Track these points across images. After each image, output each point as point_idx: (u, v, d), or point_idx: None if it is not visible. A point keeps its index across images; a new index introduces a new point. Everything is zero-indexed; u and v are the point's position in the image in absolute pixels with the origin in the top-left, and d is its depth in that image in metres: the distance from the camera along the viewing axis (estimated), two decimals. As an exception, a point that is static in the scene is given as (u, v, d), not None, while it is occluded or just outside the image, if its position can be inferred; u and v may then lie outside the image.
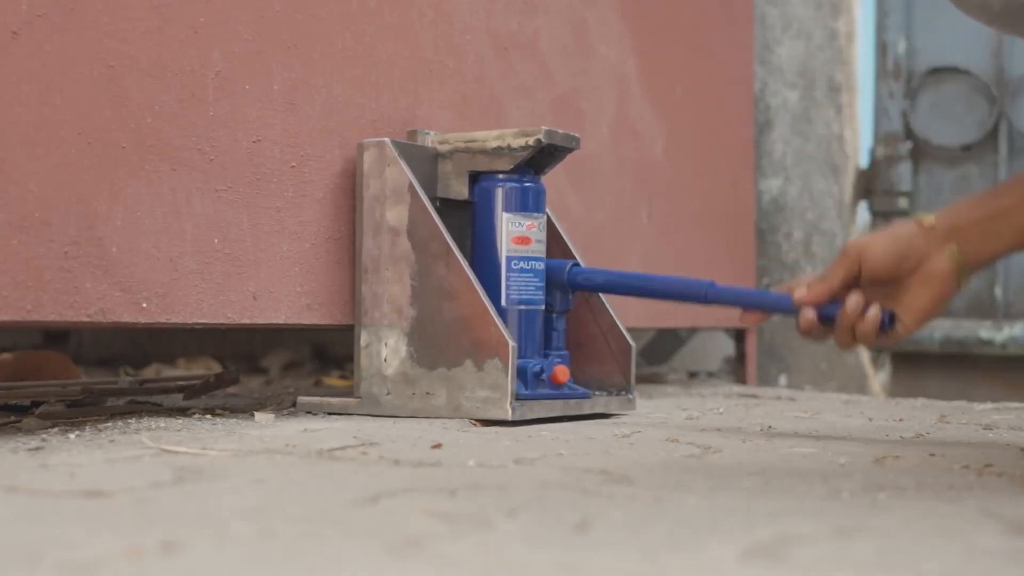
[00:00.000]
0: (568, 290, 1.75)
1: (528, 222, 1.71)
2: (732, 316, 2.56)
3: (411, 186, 1.67)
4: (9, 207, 1.35)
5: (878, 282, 1.43)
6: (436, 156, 1.74)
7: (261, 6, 1.62)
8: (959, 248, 1.39)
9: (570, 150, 1.74)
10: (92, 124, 1.43)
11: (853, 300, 1.43)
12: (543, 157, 1.74)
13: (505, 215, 1.70)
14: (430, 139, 1.76)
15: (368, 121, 1.76)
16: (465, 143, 1.73)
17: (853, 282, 1.44)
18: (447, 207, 1.75)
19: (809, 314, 1.46)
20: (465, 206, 1.76)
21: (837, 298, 1.45)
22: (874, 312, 1.42)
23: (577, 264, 1.75)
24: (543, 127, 1.69)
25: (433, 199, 1.71)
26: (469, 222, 1.75)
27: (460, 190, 1.73)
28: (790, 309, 1.49)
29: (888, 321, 1.43)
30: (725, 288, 1.64)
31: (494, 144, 1.71)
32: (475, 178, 1.73)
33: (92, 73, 1.44)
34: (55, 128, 1.40)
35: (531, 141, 1.69)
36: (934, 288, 1.41)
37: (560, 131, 1.72)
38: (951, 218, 1.41)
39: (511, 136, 1.70)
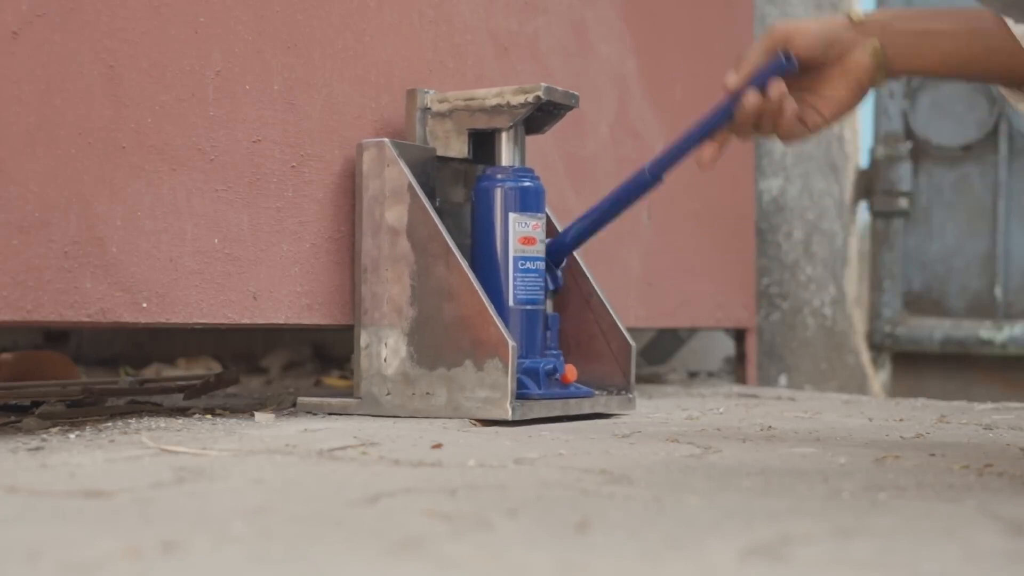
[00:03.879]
0: (553, 269, 1.75)
1: (533, 222, 1.71)
2: (732, 316, 2.57)
3: (410, 186, 1.67)
4: (9, 207, 1.35)
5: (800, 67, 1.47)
6: (436, 116, 1.74)
7: (261, 6, 1.62)
8: (882, 47, 1.43)
9: (569, 108, 1.74)
10: (92, 124, 1.44)
11: (775, 85, 1.46)
12: (542, 116, 1.74)
13: (512, 215, 1.70)
14: (429, 98, 1.75)
15: (368, 121, 1.76)
16: (464, 101, 1.73)
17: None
18: (447, 207, 1.75)
19: (752, 97, 1.46)
20: (464, 206, 1.76)
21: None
22: (791, 105, 1.46)
23: (554, 239, 1.76)
24: (542, 84, 1.69)
25: (432, 193, 1.71)
26: (469, 222, 1.75)
27: (460, 148, 1.73)
28: (729, 112, 1.49)
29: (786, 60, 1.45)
30: (661, 154, 1.61)
31: (493, 101, 1.71)
32: (477, 177, 1.74)
33: (92, 73, 1.44)
34: (55, 128, 1.40)
35: (530, 98, 1.69)
36: (852, 79, 1.45)
37: (559, 88, 1.72)
38: (883, 19, 1.45)
39: (510, 93, 1.70)
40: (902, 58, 1.44)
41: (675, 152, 1.59)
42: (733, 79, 1.47)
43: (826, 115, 1.47)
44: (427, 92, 1.75)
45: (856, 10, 1.46)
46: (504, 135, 1.73)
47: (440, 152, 1.74)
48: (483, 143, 1.75)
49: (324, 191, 1.70)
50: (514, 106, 1.70)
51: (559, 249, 1.75)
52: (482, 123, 1.72)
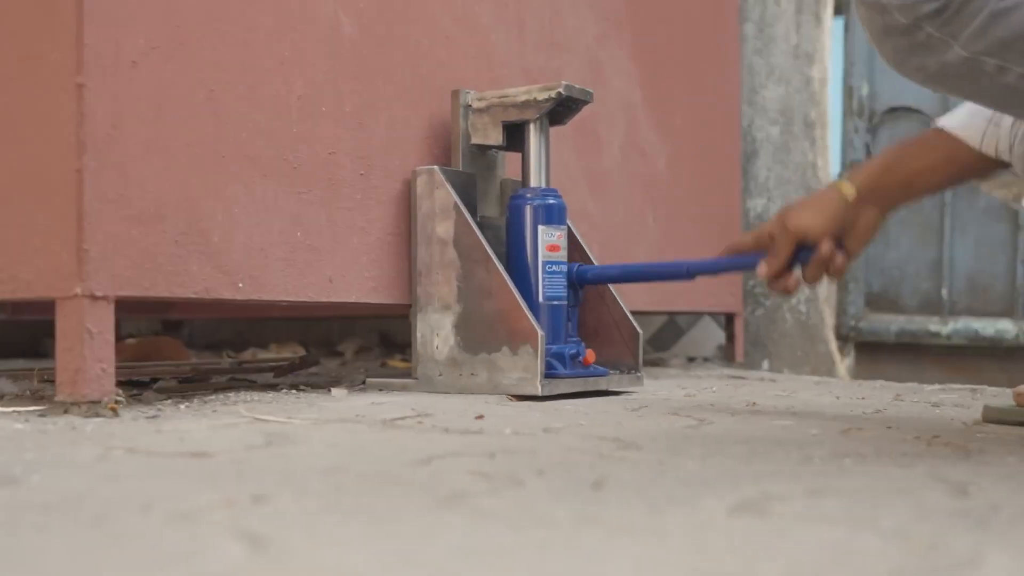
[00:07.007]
0: (576, 287, 1.75)
1: (558, 232, 1.72)
2: (723, 303, 2.56)
3: (456, 205, 1.68)
4: (131, 204, 1.36)
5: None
6: (476, 112, 1.75)
7: (335, 44, 1.63)
8: (880, 209, 1.39)
9: (585, 103, 1.75)
10: (197, 137, 1.44)
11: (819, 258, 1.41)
12: (563, 110, 1.75)
13: (541, 227, 1.71)
14: (470, 96, 1.76)
15: (423, 139, 1.76)
16: (499, 98, 1.74)
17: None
18: (486, 221, 1.75)
19: (781, 280, 1.44)
20: (500, 220, 1.77)
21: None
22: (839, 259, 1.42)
23: (581, 265, 1.75)
24: (563, 82, 1.70)
25: (474, 210, 1.71)
26: (504, 233, 1.75)
27: (496, 137, 1.74)
28: (753, 267, 1.46)
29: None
30: (700, 262, 1.63)
31: (523, 98, 1.72)
32: (511, 197, 1.74)
33: (197, 96, 1.44)
34: (167, 140, 1.40)
35: (553, 94, 1.70)
36: (863, 239, 1.40)
37: (577, 86, 1.72)
38: (870, 185, 1.39)
39: (537, 91, 1.71)
40: (896, 205, 1.40)
41: (710, 269, 1.60)
42: (764, 270, 1.44)
43: (851, 255, 1.42)
44: (468, 92, 1.76)
45: (845, 185, 1.39)
46: (532, 125, 1.73)
47: (479, 141, 1.75)
48: (515, 133, 1.75)
49: (387, 195, 1.71)
50: (540, 101, 1.70)
51: (581, 280, 1.75)
52: (514, 116, 1.73)
